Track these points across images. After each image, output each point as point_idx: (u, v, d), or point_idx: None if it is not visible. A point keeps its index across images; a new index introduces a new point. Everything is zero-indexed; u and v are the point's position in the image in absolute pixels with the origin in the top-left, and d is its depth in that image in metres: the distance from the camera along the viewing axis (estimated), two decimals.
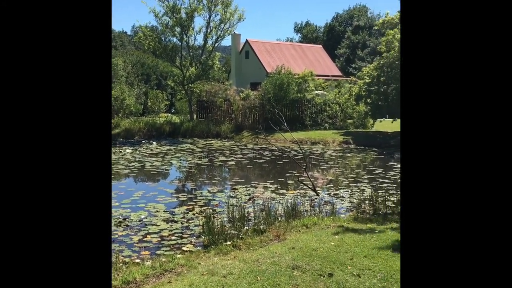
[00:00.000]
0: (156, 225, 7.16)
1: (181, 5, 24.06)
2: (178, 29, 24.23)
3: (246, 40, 33.18)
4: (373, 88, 20.34)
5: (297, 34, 59.56)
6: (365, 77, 21.00)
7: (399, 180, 10.50)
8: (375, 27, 25.50)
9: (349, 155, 16.98)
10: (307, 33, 55.68)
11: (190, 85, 25.25)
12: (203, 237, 6.30)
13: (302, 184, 10.01)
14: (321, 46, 40.27)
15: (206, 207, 8.36)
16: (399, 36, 19.86)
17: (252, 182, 11.41)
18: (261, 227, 6.32)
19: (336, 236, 5.69)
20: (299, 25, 59.01)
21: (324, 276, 4.32)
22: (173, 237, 6.55)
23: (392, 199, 8.51)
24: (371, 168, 13.70)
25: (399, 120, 22.90)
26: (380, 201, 7.88)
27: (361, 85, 20.97)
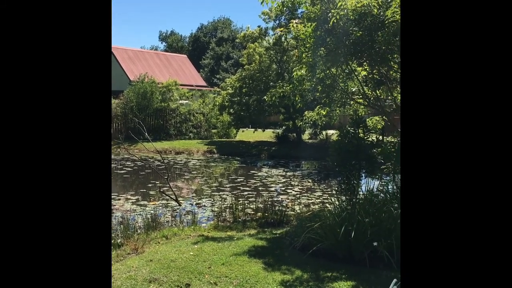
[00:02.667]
0: None
1: None
2: None
3: None
4: (236, 99, 20.98)
5: (162, 43, 58.94)
6: (228, 88, 21.58)
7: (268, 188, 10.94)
8: (236, 40, 26.39)
9: (213, 164, 17.21)
10: (172, 42, 55.40)
11: None
12: None
13: (165, 195, 9.87)
14: (186, 56, 40.34)
15: None
16: (260, 49, 20.81)
17: (113, 194, 10.93)
18: (118, 241, 6.07)
19: (196, 246, 5.70)
20: (164, 34, 58.47)
21: (181, 287, 4.29)
22: None
23: (252, 206, 8.81)
24: (234, 177, 14.05)
25: (260, 130, 23.92)
26: (240, 209, 8.10)
27: (225, 95, 21.48)
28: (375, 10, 5.70)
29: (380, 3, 5.67)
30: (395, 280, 2.48)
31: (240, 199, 9.72)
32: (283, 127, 23.34)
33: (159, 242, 6.07)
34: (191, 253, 5.33)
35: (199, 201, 10.16)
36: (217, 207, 8.87)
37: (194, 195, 11.22)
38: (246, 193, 11.05)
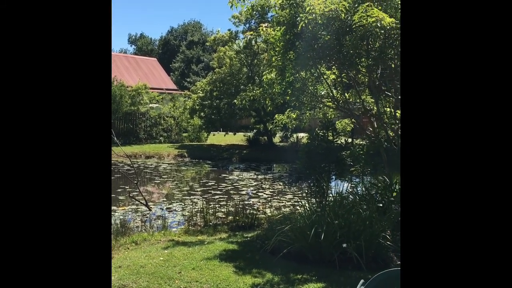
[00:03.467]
0: None
1: None
2: None
3: None
4: (207, 102, 20.90)
5: (131, 45, 58.24)
6: (199, 91, 21.48)
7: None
8: (207, 43, 26.34)
9: (184, 168, 17.08)
10: (141, 45, 54.82)
11: None
12: None
13: (134, 200, 9.73)
14: (156, 59, 39.97)
15: None
16: (230, 53, 20.82)
17: None
18: None
19: (166, 251, 5.64)
20: (134, 37, 57.80)
21: None
22: None
23: (223, 210, 8.78)
24: (205, 181, 13.99)
25: (231, 133, 23.91)
26: (211, 213, 8.07)
27: (195, 99, 21.37)
28: (343, 15, 5.78)
29: (347, 8, 5.75)
30: (362, 281, 2.51)
31: (211, 203, 9.69)
32: (254, 131, 23.39)
33: (128, 248, 5.98)
34: (161, 259, 5.27)
35: (170, 206, 10.07)
36: (188, 212, 8.82)
37: (165, 199, 11.10)
38: (217, 196, 11.01)
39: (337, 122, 10.12)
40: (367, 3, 5.44)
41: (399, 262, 5.23)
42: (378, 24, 5.25)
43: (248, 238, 6.41)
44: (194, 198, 10.80)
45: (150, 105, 24.35)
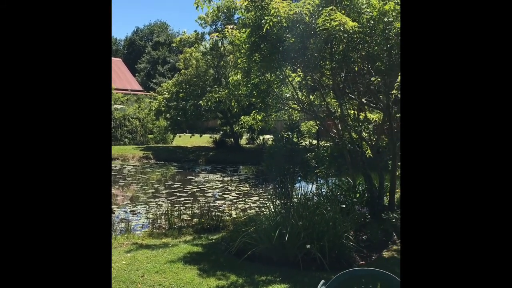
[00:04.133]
0: None
1: None
2: None
3: None
4: (173, 104, 20.71)
5: None
6: (164, 92, 21.25)
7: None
8: (173, 44, 26.12)
9: (149, 170, 16.85)
10: None
11: None
12: None
13: None
14: (121, 59, 39.31)
15: None
16: (197, 54, 20.69)
17: None
18: None
19: (129, 254, 5.55)
20: None
21: None
22: None
23: (188, 212, 8.71)
24: (170, 183, 13.84)
25: (198, 135, 23.76)
26: (176, 215, 7.99)
27: (161, 100, 21.14)
28: (307, 18, 5.85)
29: (311, 11, 5.82)
30: (322, 281, 2.54)
31: (177, 205, 9.59)
32: (221, 132, 23.32)
33: None
34: (124, 262, 5.18)
35: (134, 208, 9.90)
36: (152, 214, 8.70)
37: (129, 202, 10.92)
38: (182, 199, 10.91)
39: (302, 124, 10.23)
40: (331, 7, 5.51)
41: (362, 262, 5.33)
42: (341, 28, 5.33)
43: (213, 240, 6.39)
44: (159, 201, 10.67)
45: (115, 106, 23.91)
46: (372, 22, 5.86)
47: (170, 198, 10.96)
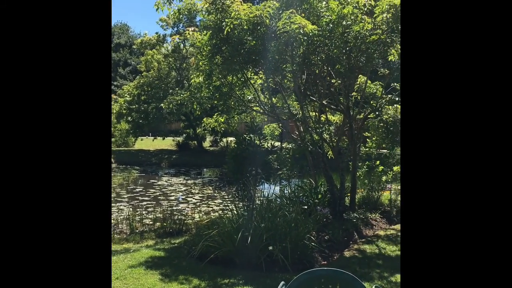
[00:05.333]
0: None
1: None
2: None
3: None
4: (134, 107, 20.40)
5: None
6: (126, 95, 20.91)
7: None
8: (134, 46, 25.76)
9: None
10: None
11: None
12: None
13: None
14: None
15: None
16: (158, 56, 20.47)
17: None
18: None
19: None
20: None
21: None
22: None
23: (151, 216, 8.58)
24: (132, 187, 13.61)
25: (160, 138, 23.49)
26: (137, 219, 7.86)
27: (122, 103, 20.77)
28: (267, 21, 5.89)
29: (272, 14, 5.86)
30: (282, 282, 2.55)
31: (138, 209, 9.43)
32: (184, 135, 23.14)
33: None
34: None
35: None
36: (113, 219, 8.51)
37: None
38: (145, 203, 10.75)
39: (265, 126, 10.27)
40: (291, 10, 5.57)
41: (324, 262, 5.40)
42: (301, 31, 5.39)
43: (176, 244, 6.32)
44: (121, 205, 10.46)
45: None
46: (331, 25, 5.96)
47: (132, 203, 10.78)
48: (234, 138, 20.64)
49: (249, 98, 7.87)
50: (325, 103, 8.08)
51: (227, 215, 6.16)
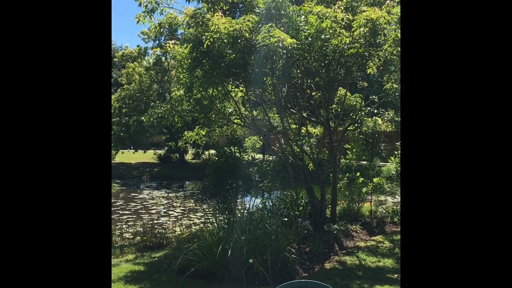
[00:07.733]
0: None
1: None
2: None
3: None
4: (115, 120, 20.24)
5: None
6: None
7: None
8: (115, 59, 25.71)
9: None
10: None
11: None
12: None
13: None
14: None
15: None
16: (140, 69, 20.40)
17: None
18: None
19: None
20: None
21: None
22: None
23: (131, 230, 8.49)
24: (113, 200, 13.45)
25: (141, 151, 23.32)
26: (117, 233, 7.77)
27: None
28: (247, 35, 5.94)
29: (251, 28, 5.92)
30: None
31: (118, 223, 9.32)
32: (166, 148, 23.03)
33: None
34: None
35: None
36: None
37: None
38: (125, 217, 10.64)
39: (246, 139, 10.30)
40: (270, 24, 5.64)
41: (305, 274, 5.40)
42: (280, 44, 5.45)
43: (156, 258, 6.25)
44: None
45: None
46: (310, 39, 6.04)
47: (112, 217, 10.65)
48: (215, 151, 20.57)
49: (230, 110, 7.89)
50: (306, 115, 8.15)
51: (208, 228, 6.13)
